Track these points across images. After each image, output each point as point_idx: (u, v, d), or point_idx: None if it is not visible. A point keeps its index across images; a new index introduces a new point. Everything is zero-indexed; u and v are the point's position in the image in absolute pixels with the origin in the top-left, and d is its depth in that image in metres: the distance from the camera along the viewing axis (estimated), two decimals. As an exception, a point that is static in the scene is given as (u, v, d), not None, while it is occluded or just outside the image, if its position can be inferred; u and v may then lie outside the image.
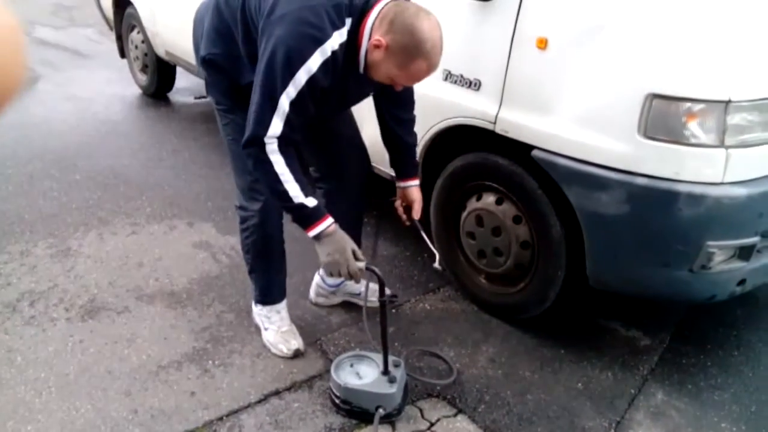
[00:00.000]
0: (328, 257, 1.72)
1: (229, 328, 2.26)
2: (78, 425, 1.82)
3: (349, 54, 1.62)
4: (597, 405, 1.97)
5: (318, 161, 2.14)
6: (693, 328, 2.35)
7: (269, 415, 1.88)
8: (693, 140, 1.67)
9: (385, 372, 1.87)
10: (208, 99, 2.08)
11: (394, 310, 2.36)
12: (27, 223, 2.93)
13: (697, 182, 1.69)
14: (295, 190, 1.64)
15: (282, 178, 1.63)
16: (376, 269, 1.77)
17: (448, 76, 2.12)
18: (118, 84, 5.05)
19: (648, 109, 1.67)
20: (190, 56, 3.69)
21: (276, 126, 1.59)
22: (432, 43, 1.55)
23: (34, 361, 2.06)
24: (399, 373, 1.87)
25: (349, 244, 1.74)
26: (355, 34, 1.60)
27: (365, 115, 2.12)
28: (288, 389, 1.99)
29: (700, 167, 1.69)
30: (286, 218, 1.90)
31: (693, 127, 1.66)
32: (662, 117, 1.67)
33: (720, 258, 1.81)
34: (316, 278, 2.39)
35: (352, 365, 1.93)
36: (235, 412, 1.89)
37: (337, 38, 1.56)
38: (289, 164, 1.63)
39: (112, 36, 5.09)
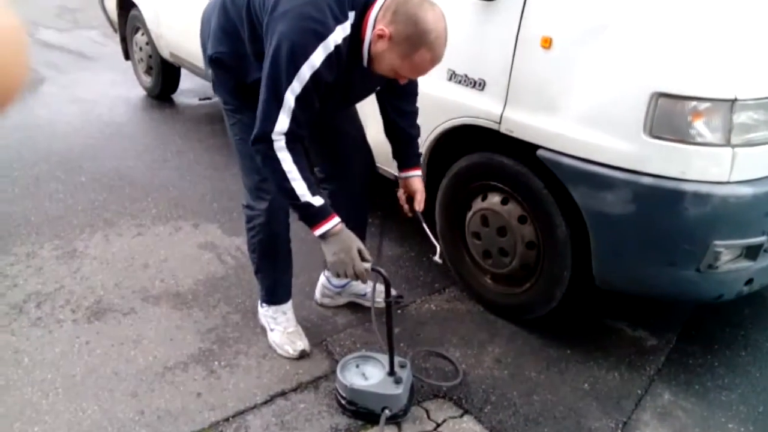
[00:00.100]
0: (334, 257, 1.72)
1: (235, 329, 2.27)
2: (85, 426, 1.83)
3: (352, 48, 1.61)
4: (603, 405, 1.96)
5: (322, 161, 2.14)
6: (700, 328, 2.34)
7: (275, 416, 1.88)
8: (699, 139, 1.66)
9: (391, 373, 1.86)
10: (214, 100, 2.09)
11: (399, 311, 2.36)
12: (33, 224, 2.94)
13: (704, 181, 1.68)
14: (302, 189, 1.64)
15: (289, 176, 1.63)
16: (382, 270, 1.77)
17: (453, 76, 2.12)
18: (123, 86, 5.06)
19: (654, 108, 1.67)
20: (195, 58, 3.73)
21: (282, 122, 1.59)
22: (436, 34, 1.54)
23: (40, 363, 2.07)
24: (405, 374, 1.87)
25: (356, 243, 1.74)
26: (358, 28, 1.60)
27: (369, 114, 2.12)
28: (294, 390, 1.99)
29: (707, 166, 1.68)
30: (293, 218, 1.90)
31: (699, 125, 1.65)
32: (668, 116, 1.66)
33: (727, 257, 1.80)
34: (322, 279, 2.39)
35: (358, 366, 1.93)
36: (242, 413, 1.89)
37: (340, 32, 1.55)
38: (296, 162, 1.63)
39: (117, 38, 5.11)
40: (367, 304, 2.37)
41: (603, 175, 1.79)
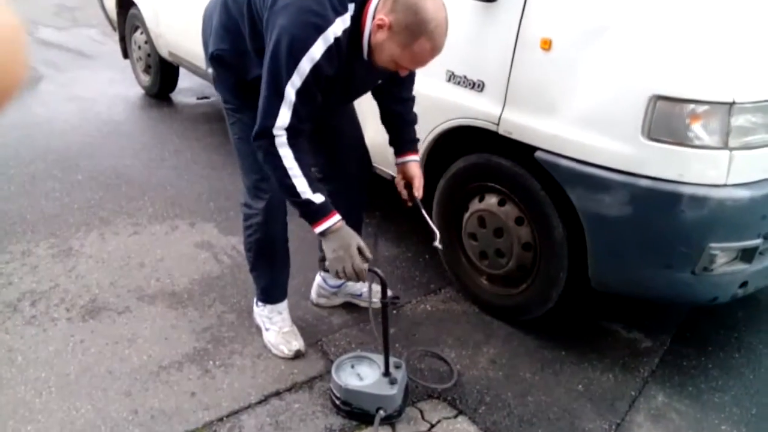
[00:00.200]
0: (334, 254, 1.71)
1: (230, 328, 2.26)
2: (78, 425, 1.82)
3: (353, 40, 1.60)
4: (597, 407, 1.96)
5: (319, 161, 2.14)
6: (694, 330, 2.35)
7: (270, 415, 1.88)
8: (696, 142, 1.66)
9: (386, 373, 1.86)
10: (212, 99, 2.08)
11: (395, 312, 2.36)
12: (29, 223, 2.93)
13: (701, 184, 1.69)
14: (303, 186, 1.64)
15: (290, 172, 1.62)
16: (379, 271, 1.77)
17: (452, 77, 2.12)
18: (121, 84, 5.06)
19: (652, 110, 1.67)
20: (193, 57, 3.73)
21: (284, 116, 1.58)
22: (436, 23, 1.53)
23: (34, 361, 2.06)
24: (400, 375, 1.87)
25: (355, 240, 1.73)
26: (358, 20, 1.59)
27: (368, 114, 2.12)
28: (288, 390, 1.98)
29: (704, 169, 1.68)
30: (290, 217, 1.90)
31: (697, 128, 1.65)
32: (666, 118, 1.67)
33: (722, 260, 1.80)
34: (318, 279, 2.38)
35: (353, 366, 1.93)
36: (236, 412, 1.89)
37: (340, 24, 1.54)
38: (298, 159, 1.63)
39: (115, 37, 5.10)
40: (363, 304, 2.38)
41: (600, 177, 1.79)
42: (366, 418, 1.83)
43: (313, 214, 1.68)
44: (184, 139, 4.06)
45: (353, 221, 2.11)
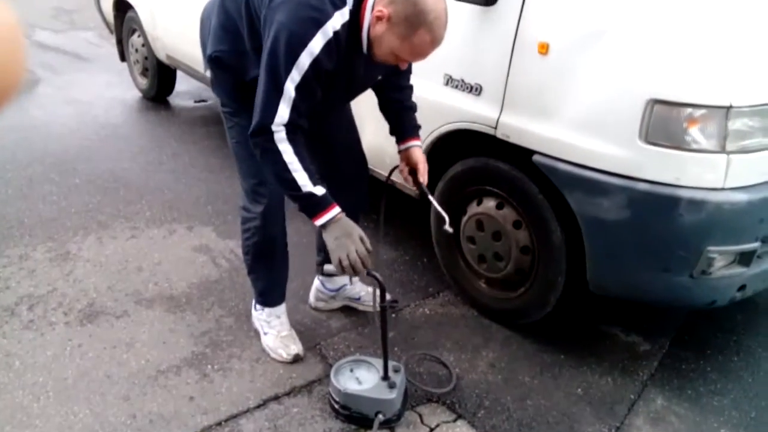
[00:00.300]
0: (336, 241, 1.68)
1: (229, 332, 2.26)
2: (76, 430, 1.81)
3: (352, 34, 1.59)
4: (597, 410, 1.96)
5: (315, 165, 2.12)
6: (693, 334, 2.35)
7: (268, 420, 1.87)
8: (694, 146, 1.67)
9: (385, 377, 1.86)
10: (209, 102, 2.08)
11: (393, 315, 2.36)
12: (26, 226, 2.92)
13: (698, 188, 1.69)
14: (303, 179, 1.62)
15: (290, 167, 1.61)
16: (377, 274, 1.76)
17: (449, 80, 2.12)
18: (118, 87, 5.05)
19: (649, 114, 1.67)
20: (191, 60, 3.72)
21: (283, 113, 1.57)
22: (435, 15, 1.52)
23: (32, 366, 2.05)
24: (399, 379, 1.86)
25: (356, 229, 1.70)
26: (357, 14, 1.58)
27: (366, 116, 2.12)
28: (287, 394, 1.98)
29: (701, 173, 1.69)
30: (290, 221, 1.89)
31: (694, 132, 1.66)
32: (663, 122, 1.67)
33: (720, 263, 1.80)
34: (316, 283, 2.38)
35: (351, 370, 1.93)
36: (234, 417, 1.88)
37: (339, 18, 1.54)
38: (297, 153, 1.62)
39: (113, 39, 5.10)
40: (361, 308, 2.37)
41: (598, 180, 1.79)
42: (365, 422, 1.83)
43: (314, 206, 1.67)
44: (181, 143, 4.06)
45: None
